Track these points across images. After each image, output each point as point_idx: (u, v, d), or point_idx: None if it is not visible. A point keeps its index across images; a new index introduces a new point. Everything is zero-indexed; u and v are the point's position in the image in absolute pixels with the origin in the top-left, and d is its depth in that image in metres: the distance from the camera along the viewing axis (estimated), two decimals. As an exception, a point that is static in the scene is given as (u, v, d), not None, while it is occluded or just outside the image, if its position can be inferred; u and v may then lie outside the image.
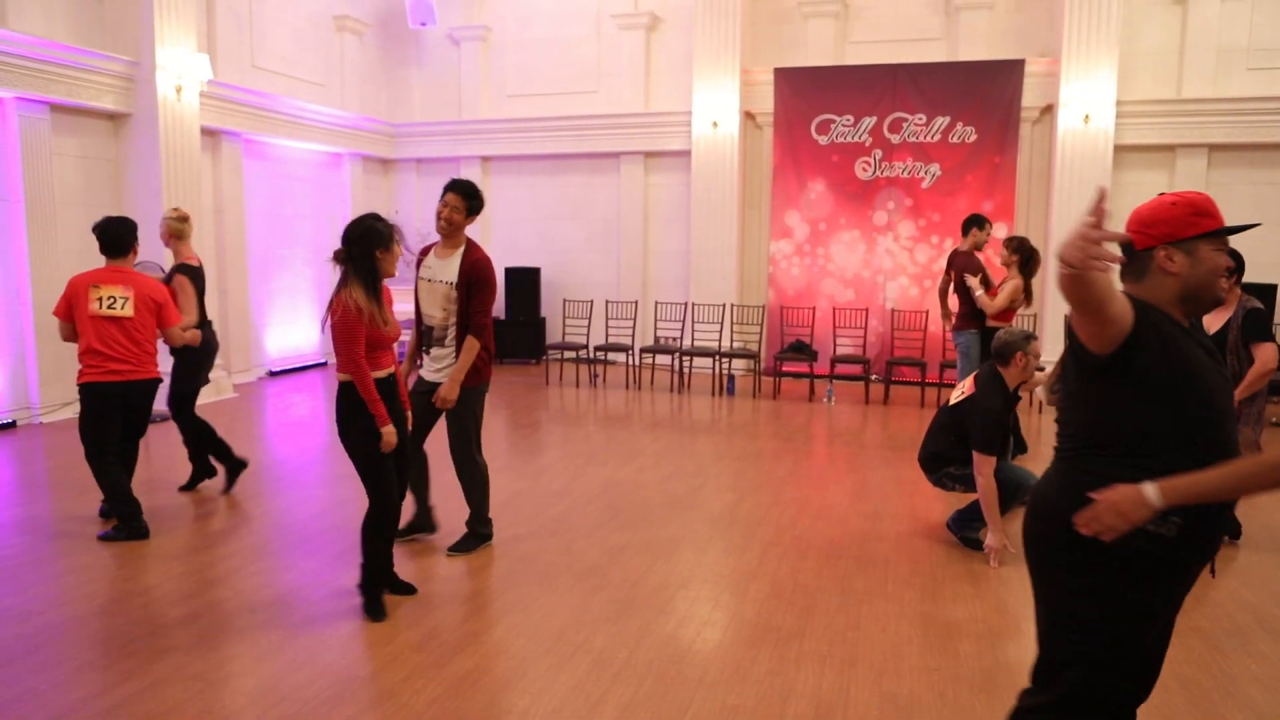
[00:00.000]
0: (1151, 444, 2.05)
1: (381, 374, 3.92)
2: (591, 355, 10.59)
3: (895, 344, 10.00)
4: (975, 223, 7.17)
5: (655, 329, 10.89)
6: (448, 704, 3.17)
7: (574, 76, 11.78)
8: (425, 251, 4.61)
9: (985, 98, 10.14)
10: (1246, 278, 9.73)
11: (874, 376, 10.05)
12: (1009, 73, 10.05)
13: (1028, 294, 6.72)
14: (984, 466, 4.54)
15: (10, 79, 7.29)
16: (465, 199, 4.43)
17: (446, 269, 4.45)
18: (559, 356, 11.15)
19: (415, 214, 12.52)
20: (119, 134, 8.52)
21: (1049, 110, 10.20)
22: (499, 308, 11.96)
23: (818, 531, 5.08)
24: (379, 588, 3.97)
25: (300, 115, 10.57)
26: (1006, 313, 6.72)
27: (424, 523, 4.84)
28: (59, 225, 7.90)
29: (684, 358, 10.06)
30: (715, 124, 10.73)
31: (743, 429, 7.92)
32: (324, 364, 11.44)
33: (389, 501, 3.93)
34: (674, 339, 10.61)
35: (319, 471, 6.32)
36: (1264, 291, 9.64)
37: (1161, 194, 2.23)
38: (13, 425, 7.56)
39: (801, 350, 9.88)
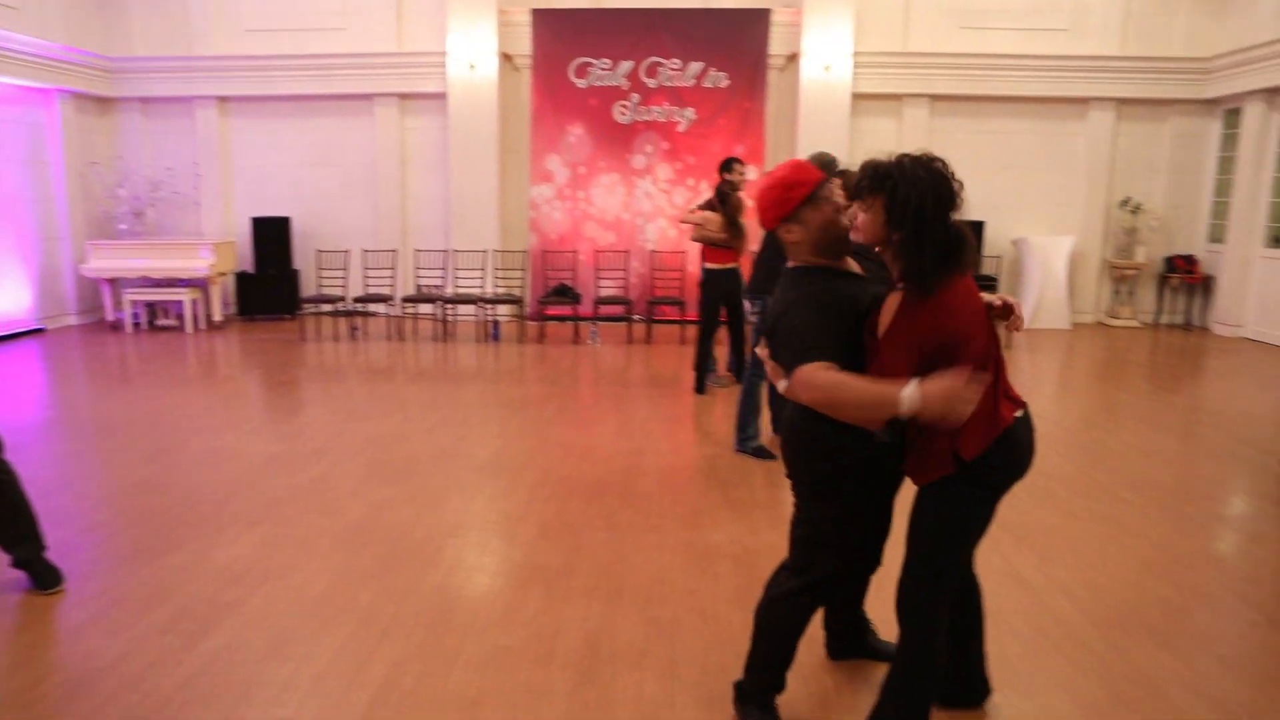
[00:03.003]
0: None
1: None
2: (350, 307, 10.14)
3: (655, 284, 10.32)
4: (724, 168, 7.29)
5: (416, 278, 10.59)
6: (201, 684, 2.98)
7: (319, 12, 11.00)
8: None
9: (735, 45, 10.53)
10: (963, 215, 10.68)
11: (636, 317, 10.35)
12: (756, 21, 10.48)
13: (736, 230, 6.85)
14: None
15: None
16: None
17: None
18: (315, 310, 10.59)
19: (144, 160, 11.33)
20: None
21: (794, 59, 10.76)
22: (246, 260, 11.13)
23: (584, 471, 5.20)
24: None
25: (-13, 44, 9.20)
26: (724, 251, 6.89)
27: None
28: None
29: (447, 306, 9.86)
30: (472, 66, 10.45)
31: (509, 375, 7.93)
32: (41, 330, 10.20)
33: None
34: (436, 287, 10.37)
35: (42, 450, 5.67)
36: (973, 229, 10.76)
37: (767, 173, 2.47)
38: None
39: (565, 294, 9.97)
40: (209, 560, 3.97)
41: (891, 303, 2.36)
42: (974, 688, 2.86)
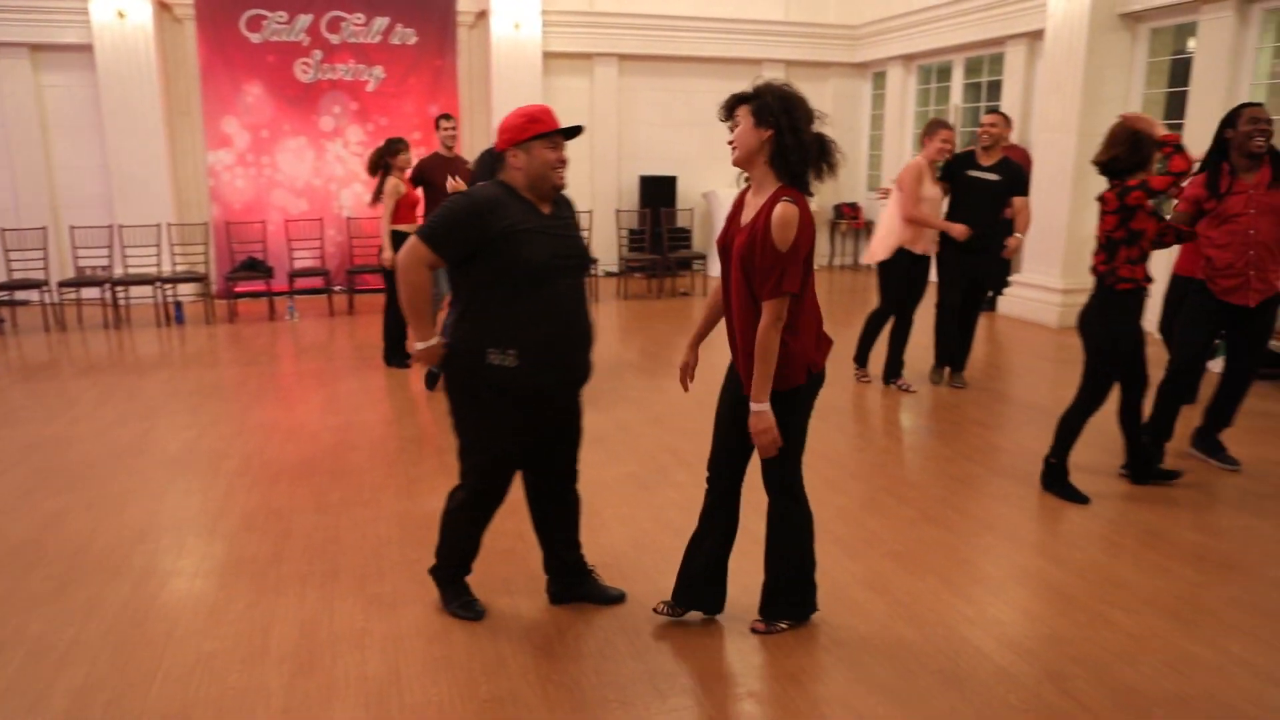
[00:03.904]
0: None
1: None
2: (-7, 296, 8.75)
3: (355, 253, 9.86)
4: (436, 126, 7.16)
5: (76, 258, 9.31)
6: None
7: (-92, -56, 9.20)
8: None
9: (421, 0, 10.18)
10: (655, 171, 11.14)
11: (337, 288, 9.84)
12: (440, -24, 10.18)
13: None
14: None
15: None
16: None
17: None
18: (-54, 301, 9.03)
19: None
20: None
21: (483, 16, 10.59)
22: None
23: (289, 453, 4.90)
24: None
25: None
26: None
27: None
28: None
29: (117, 288, 8.81)
30: (121, 14, 9.27)
31: (198, 359, 7.25)
32: None
33: None
34: (102, 268, 9.21)
35: None
36: (665, 183, 11.33)
37: (516, 108, 2.90)
38: None
39: (256, 267, 9.27)
40: None
41: (788, 217, 2.62)
42: (716, 599, 3.17)
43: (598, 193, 11.32)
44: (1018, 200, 5.92)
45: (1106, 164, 4.01)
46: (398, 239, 6.64)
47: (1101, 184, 4.15)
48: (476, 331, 2.80)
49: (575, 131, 2.89)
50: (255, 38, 9.78)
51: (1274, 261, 4.34)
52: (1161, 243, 4.20)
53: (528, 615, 3.18)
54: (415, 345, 2.90)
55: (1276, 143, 4.40)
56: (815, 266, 3.09)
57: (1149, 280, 4.06)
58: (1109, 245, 4.04)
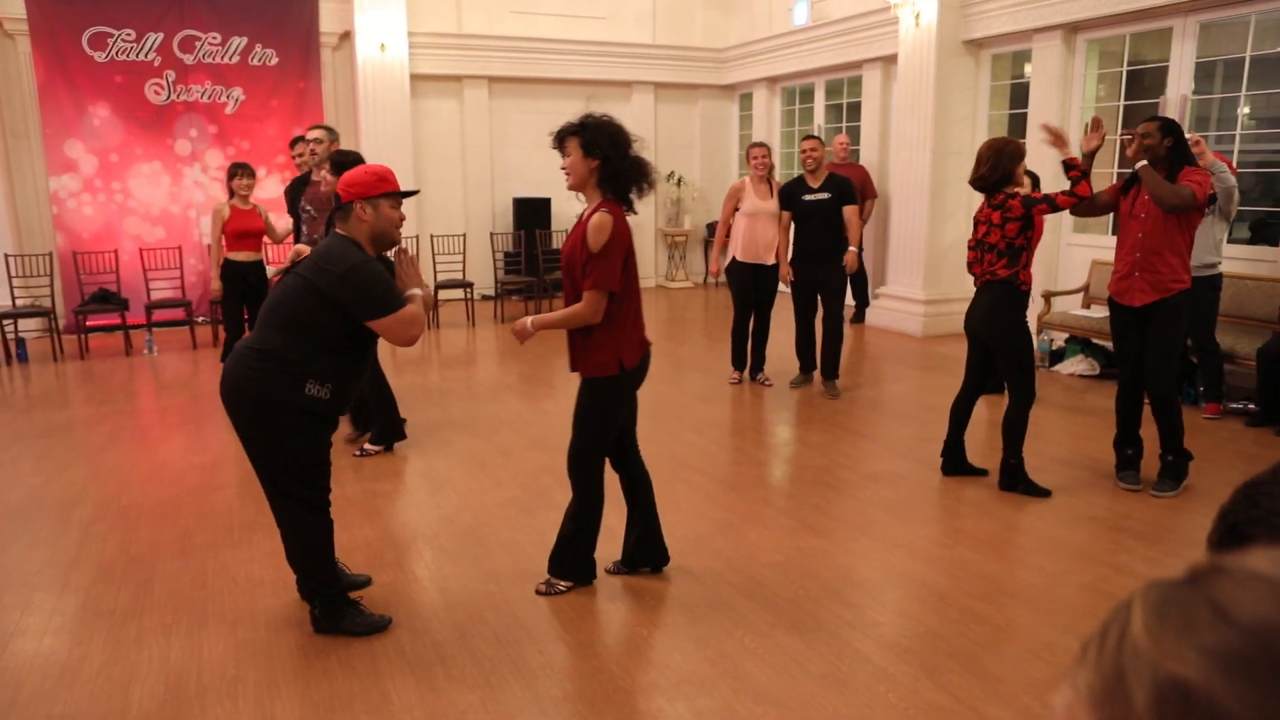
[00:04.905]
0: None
1: None
2: None
3: (220, 282, 9.43)
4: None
5: (-99, 294, 8.58)
6: None
7: None
8: None
9: (281, 20, 9.89)
10: (528, 193, 11.09)
11: (200, 319, 9.39)
12: (301, -5, 9.92)
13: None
14: None
15: None
16: None
17: None
18: None
19: None
20: None
21: (347, 37, 10.36)
22: None
23: (150, 496, 4.63)
24: None
25: None
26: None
27: None
28: None
29: (-49, 326, 8.14)
30: (-55, 32, 8.63)
31: (45, 399, 6.77)
32: None
33: None
34: (-68, 304, 8.50)
35: None
36: (539, 205, 11.31)
37: (364, 164, 3.28)
38: None
39: (109, 300, 8.74)
40: None
41: (603, 223, 3.07)
42: (657, 555, 3.64)
43: (471, 215, 11.22)
44: (846, 210, 6.30)
45: (978, 182, 4.40)
46: (228, 268, 6.90)
47: (959, 198, 4.42)
48: (301, 366, 2.95)
49: (412, 194, 3.26)
50: (100, 56, 9.26)
51: (1163, 265, 4.32)
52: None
53: (411, 651, 3.10)
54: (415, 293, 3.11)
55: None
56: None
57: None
58: (1011, 251, 4.35)
